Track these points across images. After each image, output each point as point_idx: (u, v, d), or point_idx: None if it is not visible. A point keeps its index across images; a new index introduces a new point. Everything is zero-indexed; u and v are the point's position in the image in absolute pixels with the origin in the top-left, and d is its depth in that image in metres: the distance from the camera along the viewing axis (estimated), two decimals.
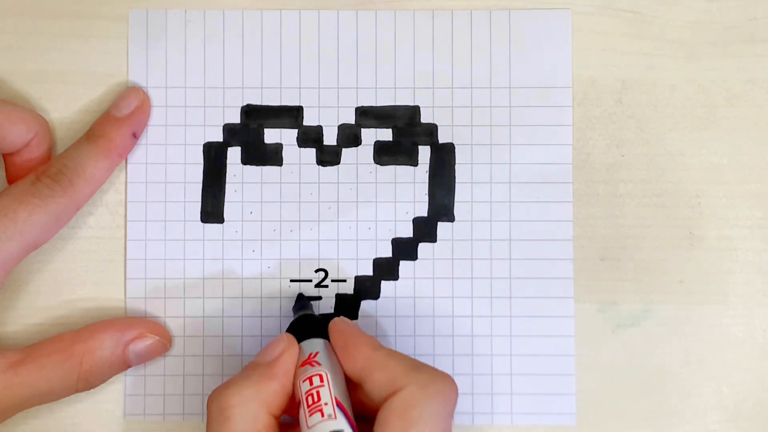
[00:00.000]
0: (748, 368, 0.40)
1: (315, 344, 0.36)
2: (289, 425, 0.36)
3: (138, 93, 0.40)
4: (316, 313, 0.40)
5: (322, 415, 0.33)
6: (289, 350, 0.35)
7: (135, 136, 0.40)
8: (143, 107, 0.40)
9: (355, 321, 0.40)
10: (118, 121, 0.39)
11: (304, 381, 0.34)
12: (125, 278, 0.40)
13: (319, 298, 0.40)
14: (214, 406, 0.34)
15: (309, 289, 0.40)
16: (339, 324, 0.36)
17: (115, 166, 0.39)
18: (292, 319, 0.39)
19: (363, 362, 0.34)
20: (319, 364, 0.35)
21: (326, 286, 0.40)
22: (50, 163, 0.38)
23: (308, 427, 0.33)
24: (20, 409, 0.37)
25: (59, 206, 0.37)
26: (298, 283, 0.40)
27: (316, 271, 0.40)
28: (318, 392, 0.34)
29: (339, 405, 0.33)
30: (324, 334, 0.37)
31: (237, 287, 0.40)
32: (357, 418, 0.34)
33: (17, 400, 0.36)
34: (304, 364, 0.35)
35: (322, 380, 0.34)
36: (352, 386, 0.35)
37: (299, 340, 0.36)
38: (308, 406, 0.33)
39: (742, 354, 0.40)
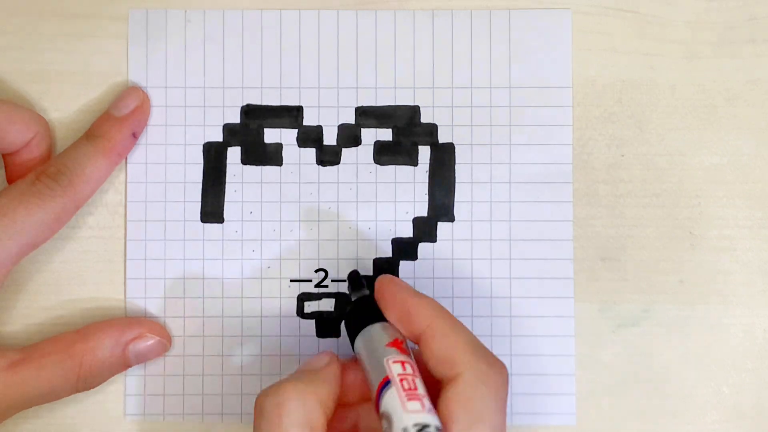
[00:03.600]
0: (748, 368, 0.40)
1: (390, 330, 0.35)
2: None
3: (137, 93, 0.40)
4: (316, 309, 0.40)
5: (422, 407, 0.32)
6: (335, 361, 0.35)
7: (134, 136, 0.40)
8: (143, 107, 0.40)
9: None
10: (118, 120, 0.39)
11: (395, 362, 0.34)
12: (125, 278, 0.40)
13: (319, 297, 0.40)
14: (269, 402, 0.33)
15: (308, 289, 0.40)
16: (388, 284, 0.36)
17: (115, 166, 0.39)
18: (351, 299, 0.38)
19: (422, 328, 0.34)
20: (408, 353, 0.34)
21: (326, 286, 0.40)
22: (50, 162, 0.38)
23: (406, 411, 0.32)
24: (20, 409, 0.37)
25: (59, 206, 0.37)
26: (298, 283, 0.40)
27: (316, 271, 0.40)
28: (414, 381, 0.33)
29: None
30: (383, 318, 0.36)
31: (237, 287, 0.40)
32: None
33: (17, 399, 0.36)
34: (390, 345, 0.34)
35: (413, 369, 0.33)
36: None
37: (364, 324, 0.35)
38: (404, 390, 0.33)
39: (742, 354, 0.40)
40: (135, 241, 0.40)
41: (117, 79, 0.41)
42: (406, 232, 0.40)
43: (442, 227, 0.40)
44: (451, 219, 0.40)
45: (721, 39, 0.41)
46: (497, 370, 0.34)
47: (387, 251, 0.40)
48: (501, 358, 0.39)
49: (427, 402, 0.32)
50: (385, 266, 0.40)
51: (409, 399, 0.32)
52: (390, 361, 0.34)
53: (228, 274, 0.40)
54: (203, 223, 0.40)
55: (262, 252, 0.40)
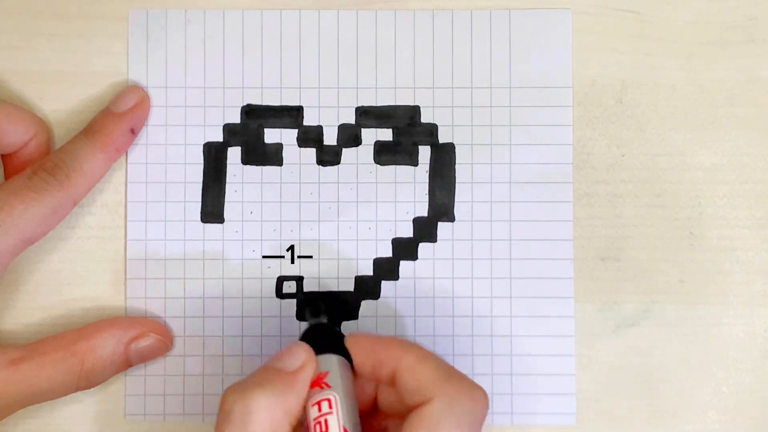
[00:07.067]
0: (748, 368, 0.40)
1: (327, 362, 0.35)
2: None
3: (137, 90, 0.40)
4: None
5: None
6: (310, 363, 0.34)
7: (133, 133, 0.40)
8: (142, 104, 0.40)
9: (353, 320, 0.40)
10: (117, 116, 0.39)
11: (312, 405, 0.33)
12: (125, 278, 0.40)
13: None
14: (239, 407, 0.32)
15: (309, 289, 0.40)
16: (357, 336, 0.35)
17: (112, 162, 0.39)
18: (307, 324, 0.38)
19: (393, 366, 0.34)
20: (329, 387, 0.34)
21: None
22: (47, 157, 0.38)
23: None
24: (20, 407, 0.37)
25: (55, 200, 0.37)
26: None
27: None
28: (326, 420, 0.33)
29: None
30: (338, 348, 0.35)
31: (237, 287, 0.40)
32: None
33: (17, 397, 0.36)
34: (313, 385, 0.34)
35: (330, 406, 0.33)
36: (382, 385, 0.35)
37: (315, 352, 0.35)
38: None
39: (742, 354, 0.40)
40: (135, 241, 0.40)
41: (117, 79, 0.41)
42: (406, 232, 0.40)
43: (442, 227, 0.40)
44: (451, 219, 0.40)
45: (721, 39, 0.41)
46: (469, 395, 0.33)
47: (387, 251, 0.40)
48: (501, 358, 0.39)
49: None
50: (386, 266, 0.40)
51: None
52: (309, 405, 0.33)
53: (228, 274, 0.40)
54: (203, 223, 0.40)
55: (262, 252, 0.40)
